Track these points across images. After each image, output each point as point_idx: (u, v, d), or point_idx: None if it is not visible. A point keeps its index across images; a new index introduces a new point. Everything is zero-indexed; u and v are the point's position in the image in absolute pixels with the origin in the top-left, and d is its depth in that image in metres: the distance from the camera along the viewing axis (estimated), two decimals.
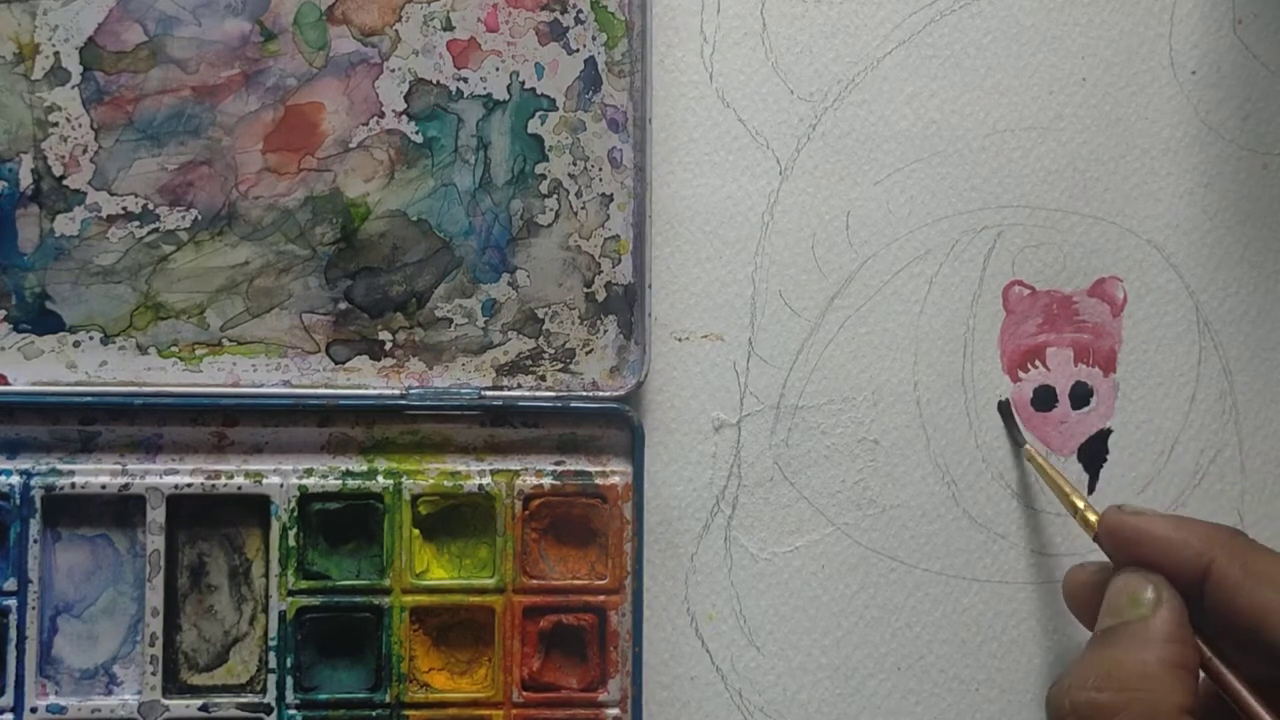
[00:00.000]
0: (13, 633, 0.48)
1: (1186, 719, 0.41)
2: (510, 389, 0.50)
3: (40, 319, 0.49)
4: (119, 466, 0.48)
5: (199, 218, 0.49)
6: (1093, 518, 0.46)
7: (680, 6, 0.52)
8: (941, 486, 0.52)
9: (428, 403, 0.49)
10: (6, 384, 0.49)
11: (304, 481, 0.49)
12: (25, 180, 0.48)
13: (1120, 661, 0.42)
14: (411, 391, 0.49)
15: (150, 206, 0.49)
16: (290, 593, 0.48)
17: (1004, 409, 0.52)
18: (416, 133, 0.50)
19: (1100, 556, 0.47)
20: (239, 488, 0.49)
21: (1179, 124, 0.53)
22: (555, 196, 0.50)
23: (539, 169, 0.50)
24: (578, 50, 0.50)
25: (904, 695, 0.52)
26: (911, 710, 0.52)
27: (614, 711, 0.49)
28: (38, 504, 0.48)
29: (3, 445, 0.48)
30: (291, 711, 0.48)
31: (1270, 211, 0.54)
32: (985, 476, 0.52)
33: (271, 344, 0.50)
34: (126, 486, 0.48)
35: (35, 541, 0.48)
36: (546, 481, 0.49)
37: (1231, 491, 0.53)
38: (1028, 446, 0.51)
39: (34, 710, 0.48)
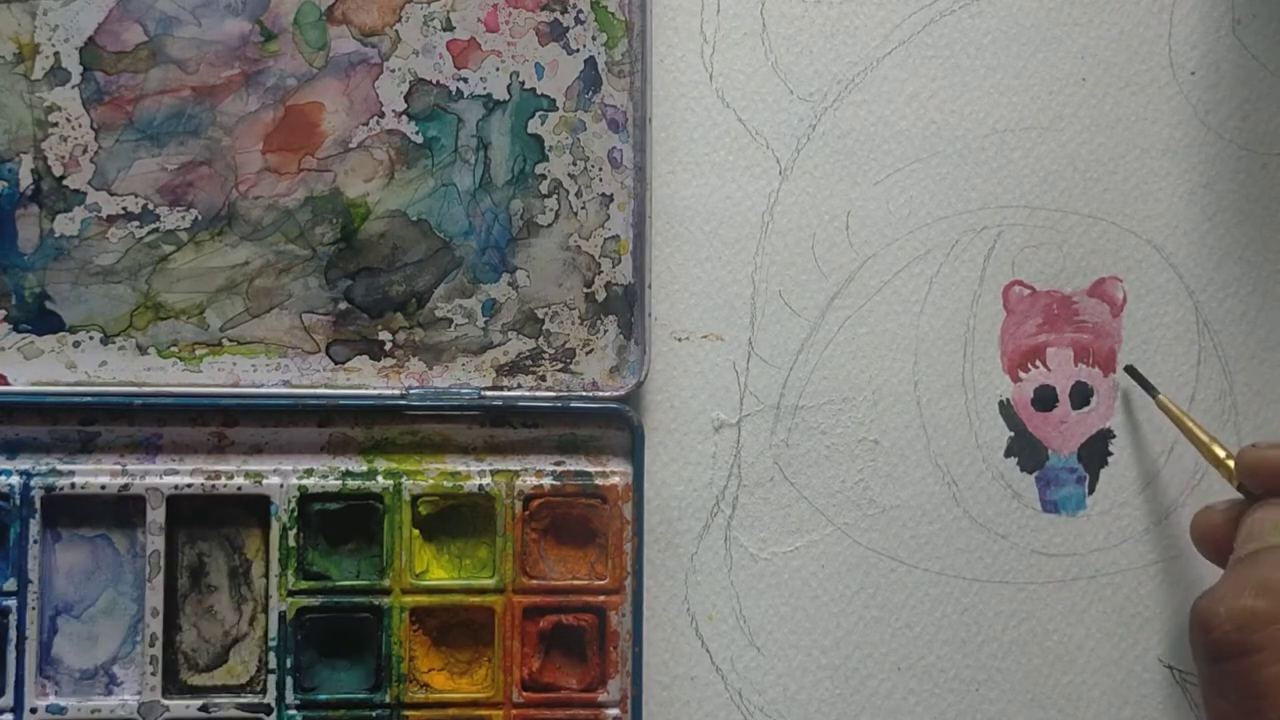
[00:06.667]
0: (13, 633, 0.48)
1: None
2: (510, 389, 0.50)
3: (40, 319, 0.49)
4: (119, 467, 0.48)
5: (199, 218, 0.49)
6: (1225, 456, 0.49)
7: (680, 6, 0.52)
8: (941, 486, 0.52)
9: (428, 403, 0.49)
10: (6, 384, 0.48)
11: (304, 482, 0.49)
12: (25, 180, 0.48)
13: (1269, 577, 0.45)
14: (411, 391, 0.49)
15: (150, 206, 0.49)
16: (290, 593, 0.48)
17: (1130, 370, 0.53)
18: (416, 133, 0.50)
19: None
20: (239, 488, 0.49)
21: (1179, 124, 0.53)
22: (555, 196, 0.50)
23: (539, 169, 0.50)
24: (578, 50, 0.50)
25: (904, 695, 0.52)
26: (911, 710, 0.52)
27: (614, 711, 0.49)
28: (37, 504, 0.48)
29: (3, 445, 0.48)
30: (291, 712, 0.48)
31: (1270, 211, 0.54)
32: (985, 476, 0.52)
33: (271, 344, 0.50)
34: (126, 487, 0.48)
35: (35, 542, 0.48)
36: (546, 482, 0.49)
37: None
38: (1161, 396, 0.52)
39: (34, 710, 0.48)
